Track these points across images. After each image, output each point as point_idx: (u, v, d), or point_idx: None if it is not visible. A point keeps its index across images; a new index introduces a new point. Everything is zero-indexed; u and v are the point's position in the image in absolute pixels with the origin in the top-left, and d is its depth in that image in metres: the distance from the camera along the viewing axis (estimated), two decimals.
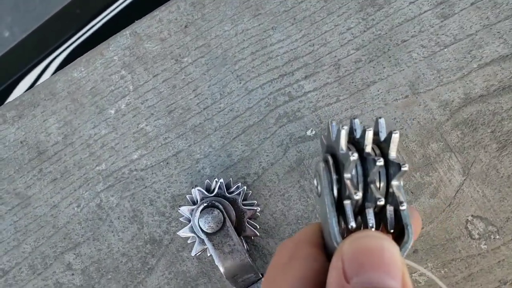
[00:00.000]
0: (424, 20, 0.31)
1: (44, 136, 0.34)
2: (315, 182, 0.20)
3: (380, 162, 0.17)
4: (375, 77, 0.31)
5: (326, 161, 0.18)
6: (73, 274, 0.32)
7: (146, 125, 0.33)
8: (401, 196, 0.17)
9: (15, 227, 0.33)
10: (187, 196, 0.31)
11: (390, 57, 0.31)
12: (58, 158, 0.33)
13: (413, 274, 0.30)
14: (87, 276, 0.32)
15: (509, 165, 0.30)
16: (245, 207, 0.30)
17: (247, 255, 0.28)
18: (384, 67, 0.31)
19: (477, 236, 0.30)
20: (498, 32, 0.30)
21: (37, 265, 0.33)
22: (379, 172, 0.18)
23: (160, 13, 0.33)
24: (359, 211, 0.18)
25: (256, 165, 0.32)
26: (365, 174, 0.18)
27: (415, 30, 0.31)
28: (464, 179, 0.30)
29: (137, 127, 0.33)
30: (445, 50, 0.31)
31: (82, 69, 0.34)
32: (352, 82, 0.31)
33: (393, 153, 0.17)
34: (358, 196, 0.17)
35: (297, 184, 0.31)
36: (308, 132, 0.31)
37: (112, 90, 0.33)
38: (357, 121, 0.18)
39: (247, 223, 0.30)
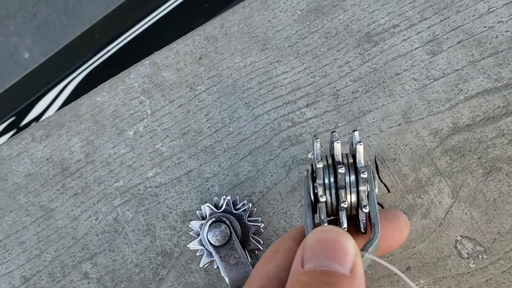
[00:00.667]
0: (415, 56, 0.35)
1: (68, 154, 0.37)
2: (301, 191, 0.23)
3: (342, 169, 0.20)
4: (370, 106, 0.35)
5: (307, 170, 0.22)
6: (89, 283, 0.35)
7: (162, 146, 0.36)
8: (364, 200, 0.21)
9: (38, 237, 0.36)
10: (197, 212, 0.34)
11: (384, 88, 0.35)
12: (80, 175, 0.37)
13: None
14: (102, 285, 0.35)
15: (495, 189, 0.33)
16: (250, 223, 0.33)
17: (251, 267, 0.31)
18: (379, 97, 0.35)
19: (466, 256, 0.32)
20: (482, 68, 0.34)
21: (56, 274, 0.36)
22: (350, 179, 0.21)
23: (177, 45, 0.38)
24: (336, 213, 0.21)
25: (261, 184, 0.35)
26: (336, 181, 0.21)
27: (407, 64, 0.35)
28: (453, 202, 0.33)
29: (153, 148, 0.36)
30: (435, 83, 0.34)
31: (105, 94, 0.38)
32: (350, 111, 0.35)
33: (359, 162, 0.21)
34: (324, 198, 0.20)
35: (299, 203, 0.34)
36: (309, 155, 0.35)
37: (132, 114, 0.37)
38: (335, 134, 0.22)
39: (252, 238, 0.33)
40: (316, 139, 0.21)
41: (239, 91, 0.36)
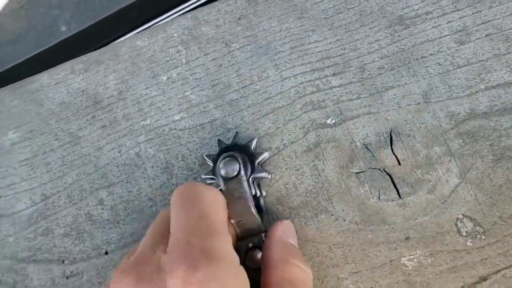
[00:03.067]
0: (443, 43, 0.39)
1: (102, 89, 0.42)
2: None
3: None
4: (393, 83, 0.39)
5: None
6: (103, 209, 0.40)
7: (191, 94, 0.41)
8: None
9: (63, 161, 0.41)
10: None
11: (409, 69, 0.39)
12: (110, 109, 0.42)
13: (402, 258, 0.36)
14: (114, 213, 0.40)
15: (502, 176, 0.36)
16: (256, 152, 0.37)
17: (252, 205, 0.34)
18: (402, 76, 0.39)
19: (464, 234, 0.36)
20: (506, 62, 0.38)
21: (74, 196, 0.40)
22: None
23: (219, 4, 0.42)
24: None
25: (278, 141, 0.39)
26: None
27: (434, 49, 0.39)
28: (460, 182, 0.36)
29: (183, 94, 0.41)
30: (458, 70, 0.38)
31: (145, 39, 0.43)
32: (373, 85, 0.39)
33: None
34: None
35: (312, 163, 0.38)
36: (329, 121, 0.39)
37: (167, 60, 0.42)
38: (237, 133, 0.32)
39: (259, 165, 0.37)
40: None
41: (271, 53, 0.40)
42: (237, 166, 0.35)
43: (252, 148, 0.38)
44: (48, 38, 1.10)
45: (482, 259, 0.36)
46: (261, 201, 0.37)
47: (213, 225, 0.29)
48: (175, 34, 0.43)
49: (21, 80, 0.44)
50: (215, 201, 0.31)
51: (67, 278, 0.40)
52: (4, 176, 0.42)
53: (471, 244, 0.36)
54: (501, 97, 0.38)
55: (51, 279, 0.40)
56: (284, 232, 0.35)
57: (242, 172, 0.35)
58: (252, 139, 0.38)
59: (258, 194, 0.36)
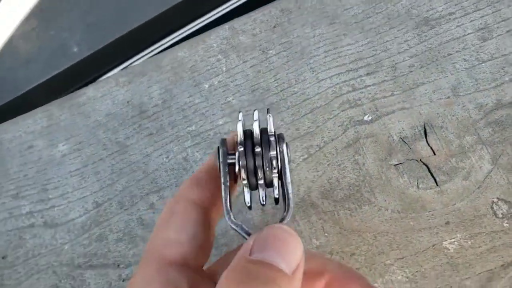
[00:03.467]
0: (467, 40, 0.42)
1: (147, 99, 0.45)
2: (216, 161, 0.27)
3: (258, 148, 0.25)
4: (424, 79, 0.42)
5: (224, 140, 0.26)
6: (154, 213, 0.42)
7: (233, 99, 0.44)
8: (275, 180, 0.25)
9: (112, 169, 0.44)
10: None
11: (437, 66, 0.42)
12: (156, 118, 0.44)
13: (443, 242, 0.38)
14: None
15: None
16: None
17: None
18: (432, 73, 0.42)
19: (501, 216, 0.39)
20: None
21: (125, 202, 0.43)
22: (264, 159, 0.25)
23: (255, 14, 0.46)
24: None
25: (319, 139, 0.42)
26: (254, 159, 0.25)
27: (460, 47, 0.42)
28: (492, 168, 0.39)
29: (225, 100, 0.44)
30: (483, 64, 0.41)
31: (186, 50, 0.46)
32: (405, 82, 0.42)
33: (270, 131, 0.26)
34: (245, 181, 0.25)
35: (352, 158, 0.41)
36: (366, 117, 0.42)
37: (208, 69, 0.45)
38: (256, 112, 0.26)
39: None
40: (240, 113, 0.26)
41: (307, 57, 0.44)
42: None
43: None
44: (60, 60, 1.13)
45: None
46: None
47: None
48: (214, 44, 0.46)
49: (68, 95, 0.47)
50: None
51: (123, 281, 0.42)
52: (56, 187, 0.44)
53: (507, 225, 0.39)
54: None
55: (108, 283, 0.42)
56: (263, 247, 0.22)
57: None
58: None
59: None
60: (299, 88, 0.44)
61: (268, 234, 0.22)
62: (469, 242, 0.39)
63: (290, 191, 0.25)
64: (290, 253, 0.22)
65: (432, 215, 0.40)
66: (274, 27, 0.46)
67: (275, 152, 0.25)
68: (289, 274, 0.21)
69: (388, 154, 0.41)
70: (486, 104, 0.41)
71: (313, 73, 0.44)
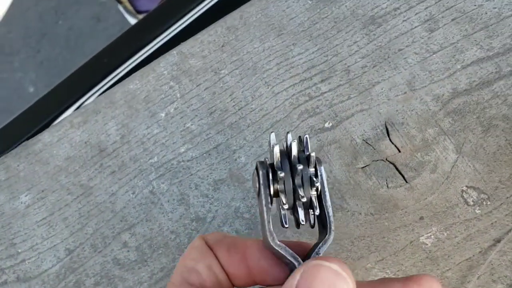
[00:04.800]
0: (415, 33, 0.43)
1: (104, 137, 0.45)
2: (255, 184, 0.27)
3: (300, 166, 0.24)
4: (378, 78, 0.43)
5: (262, 162, 0.26)
6: (128, 251, 0.42)
7: (191, 125, 0.44)
8: (315, 201, 0.25)
9: (79, 213, 0.44)
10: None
11: (390, 63, 0.43)
12: (116, 154, 0.44)
13: (420, 238, 0.39)
14: (140, 252, 0.42)
15: (493, 144, 0.41)
16: None
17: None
18: (385, 71, 0.43)
19: (472, 203, 0.40)
20: (475, 40, 0.43)
21: (98, 244, 0.43)
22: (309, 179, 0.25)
23: (201, 36, 0.46)
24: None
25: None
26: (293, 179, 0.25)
27: (409, 41, 0.43)
28: (457, 157, 0.41)
29: (184, 126, 0.44)
30: (434, 55, 0.43)
31: (137, 82, 0.46)
32: (360, 83, 0.43)
33: (307, 150, 0.26)
34: (287, 206, 0.25)
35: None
36: (326, 124, 0.43)
37: (163, 98, 0.45)
38: (289, 135, 0.26)
39: None
40: (274, 144, 0.26)
41: (259, 72, 0.44)
42: None
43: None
44: (17, 102, 1.12)
45: (492, 223, 0.40)
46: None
47: None
48: (165, 72, 0.46)
49: (22, 144, 0.46)
50: None
51: None
52: (24, 239, 0.44)
53: (479, 211, 0.40)
54: (477, 73, 0.43)
55: None
56: None
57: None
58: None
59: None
60: (257, 105, 0.44)
61: (312, 275, 0.20)
62: (445, 234, 0.40)
63: (330, 213, 0.25)
64: None
65: (406, 212, 0.41)
66: (223, 46, 0.46)
67: (314, 172, 0.26)
68: None
69: (354, 158, 0.42)
70: (443, 95, 0.42)
71: (268, 87, 0.45)
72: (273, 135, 0.27)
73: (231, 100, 0.45)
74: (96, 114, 0.46)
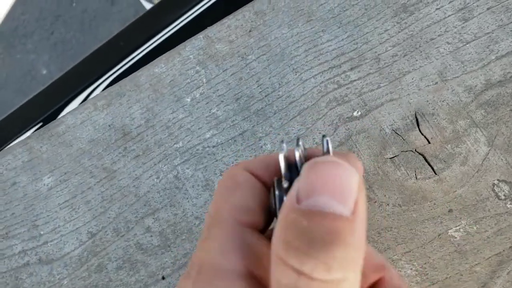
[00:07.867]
0: (448, 23, 0.44)
1: (128, 120, 0.46)
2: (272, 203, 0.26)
3: (286, 184, 0.23)
4: (409, 68, 0.43)
5: (279, 181, 0.24)
6: (151, 236, 0.43)
7: (217, 110, 0.45)
8: None
9: (102, 196, 0.45)
10: None
11: (421, 52, 0.43)
12: (141, 138, 0.45)
13: (449, 231, 0.40)
14: (164, 237, 0.43)
15: None
16: None
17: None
18: (416, 60, 0.43)
19: (503, 197, 0.40)
20: (511, 31, 0.43)
21: (120, 229, 0.44)
22: None
23: (228, 20, 0.47)
24: None
25: (310, 141, 0.43)
26: None
27: (441, 30, 0.44)
28: (489, 150, 0.41)
29: (210, 112, 0.45)
30: (467, 45, 0.43)
31: (163, 65, 0.47)
32: (390, 72, 0.43)
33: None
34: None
35: None
36: (355, 113, 0.43)
37: (188, 82, 0.46)
38: (300, 142, 0.24)
39: None
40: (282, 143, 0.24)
41: (287, 58, 0.45)
42: None
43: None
44: (30, 83, 1.13)
45: None
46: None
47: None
48: (191, 56, 0.47)
49: (46, 125, 0.47)
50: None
51: None
52: (47, 221, 0.45)
53: (511, 206, 0.40)
54: None
55: None
56: (310, 190, 0.19)
57: None
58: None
59: None
60: (284, 91, 0.45)
61: (313, 172, 0.19)
62: (475, 228, 0.41)
63: None
64: (344, 190, 0.18)
65: (434, 204, 0.41)
66: (250, 31, 0.47)
67: None
68: (349, 216, 0.18)
69: (382, 148, 0.43)
70: (475, 86, 0.43)
71: (296, 74, 0.45)
72: (284, 145, 0.24)
73: (257, 86, 0.45)
74: (120, 97, 0.47)
